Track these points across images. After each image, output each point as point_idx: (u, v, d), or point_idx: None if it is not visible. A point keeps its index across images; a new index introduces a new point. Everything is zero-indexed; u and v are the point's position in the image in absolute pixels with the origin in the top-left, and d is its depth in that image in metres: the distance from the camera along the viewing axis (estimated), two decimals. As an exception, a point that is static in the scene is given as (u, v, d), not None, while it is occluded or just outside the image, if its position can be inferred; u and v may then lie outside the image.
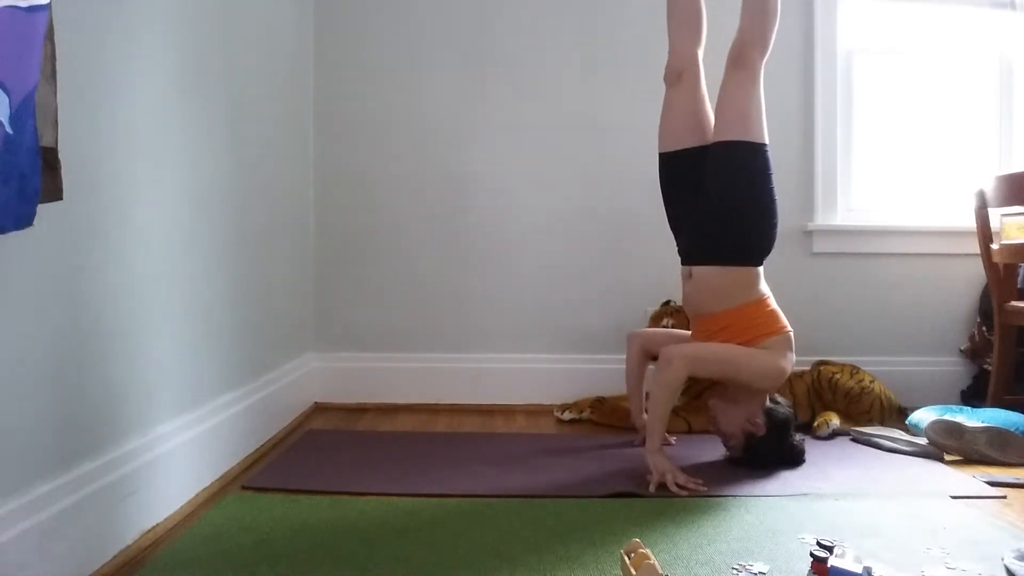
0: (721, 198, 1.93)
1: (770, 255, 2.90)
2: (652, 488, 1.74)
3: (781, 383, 1.93)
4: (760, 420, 1.92)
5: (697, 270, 1.96)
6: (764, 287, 1.98)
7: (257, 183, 2.13)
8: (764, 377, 1.88)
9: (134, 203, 1.43)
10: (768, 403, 1.97)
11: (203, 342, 1.75)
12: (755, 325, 1.92)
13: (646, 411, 2.19)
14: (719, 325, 1.93)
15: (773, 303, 1.98)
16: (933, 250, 2.88)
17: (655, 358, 2.04)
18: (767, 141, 1.95)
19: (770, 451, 1.93)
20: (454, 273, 2.79)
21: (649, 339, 2.18)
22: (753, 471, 1.90)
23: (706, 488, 1.74)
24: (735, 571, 1.31)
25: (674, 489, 1.73)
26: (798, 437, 2.00)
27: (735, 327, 1.91)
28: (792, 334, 1.96)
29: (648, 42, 2.82)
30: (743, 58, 1.94)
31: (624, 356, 2.24)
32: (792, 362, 1.93)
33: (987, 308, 2.71)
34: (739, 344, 1.89)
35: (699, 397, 2.42)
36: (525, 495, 1.71)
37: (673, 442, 2.19)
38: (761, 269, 1.98)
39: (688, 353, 1.88)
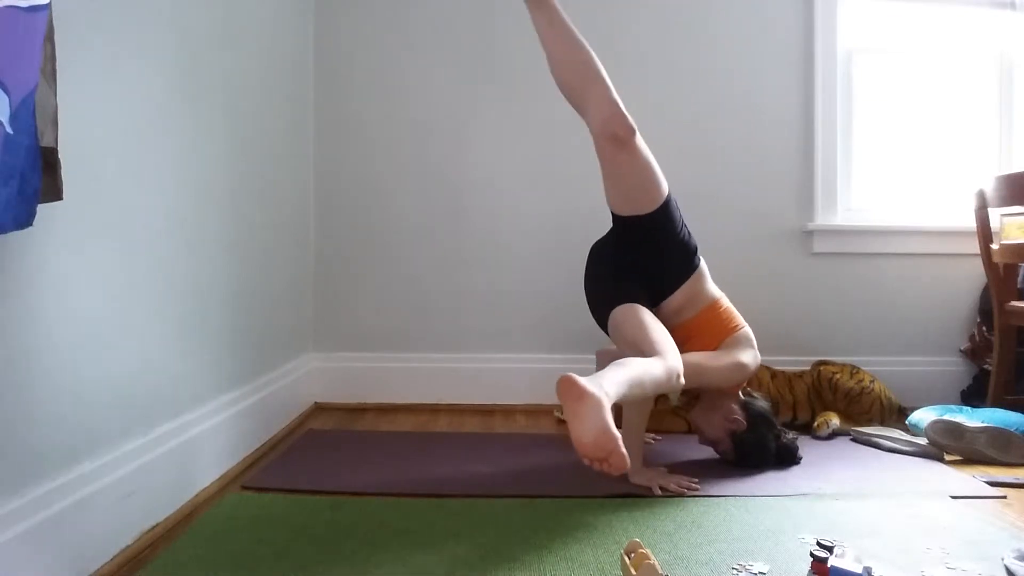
0: (662, 256, 1.93)
1: (770, 255, 2.92)
2: (656, 491, 1.74)
3: (748, 377, 1.96)
4: (739, 415, 1.95)
5: (662, 304, 1.97)
6: (713, 287, 2.02)
7: (257, 183, 2.13)
8: (729, 375, 1.91)
9: (134, 203, 1.43)
10: (743, 397, 2.01)
11: (203, 342, 1.75)
12: (716, 329, 1.97)
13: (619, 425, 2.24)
14: (685, 334, 1.95)
15: (726, 302, 2.03)
16: (933, 250, 2.88)
17: None
18: (667, 189, 1.92)
19: (760, 446, 1.94)
20: (454, 273, 2.79)
21: (616, 357, 2.20)
22: (752, 471, 1.91)
23: (699, 486, 1.75)
24: (735, 571, 1.31)
25: (674, 488, 1.74)
26: (790, 435, 2.02)
27: (700, 334, 1.95)
28: (749, 330, 2.00)
29: (643, 47, 2.82)
30: (622, 132, 1.81)
31: None
32: (756, 357, 1.97)
33: (987, 308, 2.72)
34: (706, 349, 1.93)
35: (698, 397, 2.43)
36: (525, 495, 1.71)
37: (651, 441, 2.23)
38: (704, 265, 2.01)
39: None
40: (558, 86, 1.92)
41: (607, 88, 1.83)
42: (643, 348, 1.73)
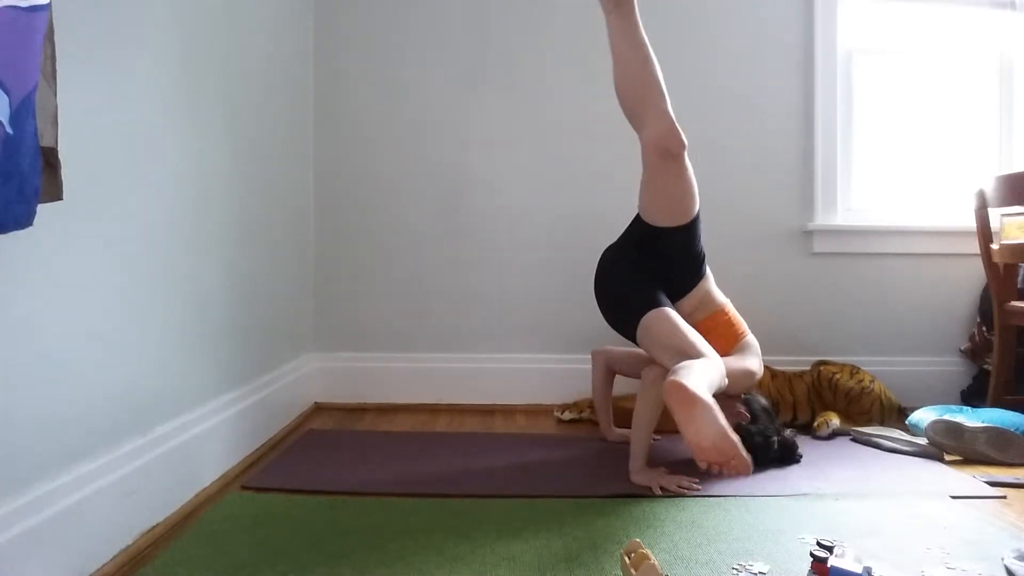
0: (678, 263, 1.99)
1: (770, 255, 2.92)
2: (656, 491, 1.74)
3: (752, 384, 2.01)
4: (743, 409, 1.99)
5: (674, 306, 2.00)
6: (719, 292, 2.08)
7: (257, 183, 2.13)
8: (739, 381, 1.94)
9: (134, 203, 1.43)
10: (743, 395, 2.05)
11: (203, 342, 1.75)
12: (725, 334, 2.02)
13: (616, 425, 2.27)
14: None
15: (731, 309, 2.09)
16: (933, 250, 2.88)
17: (633, 375, 2.14)
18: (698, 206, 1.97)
19: (765, 437, 1.95)
20: (454, 273, 2.79)
21: (613, 357, 2.24)
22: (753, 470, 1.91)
23: (699, 486, 1.75)
24: (735, 571, 1.31)
25: (674, 488, 1.74)
26: (789, 432, 2.03)
27: (708, 339, 1.96)
28: (753, 337, 2.07)
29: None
30: (675, 148, 1.85)
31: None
32: (759, 364, 2.03)
33: (987, 308, 2.72)
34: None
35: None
36: (525, 495, 1.71)
37: (652, 441, 2.24)
38: (709, 271, 2.07)
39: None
40: (617, 93, 1.94)
41: (666, 103, 1.88)
42: (688, 352, 1.76)
